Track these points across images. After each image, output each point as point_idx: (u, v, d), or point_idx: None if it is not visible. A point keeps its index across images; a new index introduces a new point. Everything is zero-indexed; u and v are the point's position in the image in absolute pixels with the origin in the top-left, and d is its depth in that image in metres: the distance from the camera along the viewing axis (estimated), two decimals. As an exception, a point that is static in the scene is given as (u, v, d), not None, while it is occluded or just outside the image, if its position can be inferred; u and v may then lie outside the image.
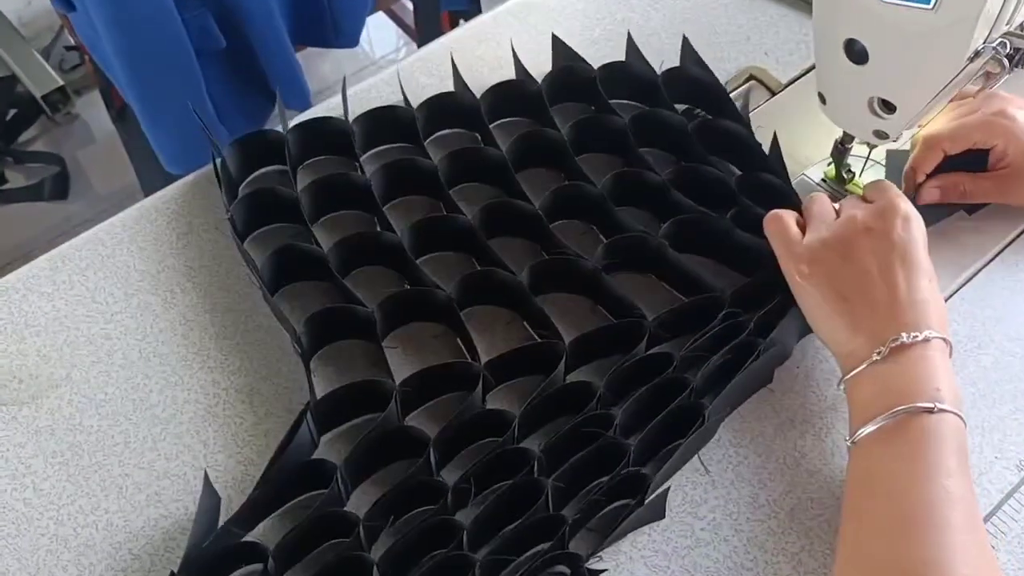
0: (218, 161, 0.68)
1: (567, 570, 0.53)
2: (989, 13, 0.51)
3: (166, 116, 1.16)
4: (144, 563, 0.55)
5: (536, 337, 0.63)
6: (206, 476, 0.54)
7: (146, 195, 0.73)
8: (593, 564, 0.53)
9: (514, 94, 0.73)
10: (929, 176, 0.64)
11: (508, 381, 0.61)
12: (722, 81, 0.76)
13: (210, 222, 0.70)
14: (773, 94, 0.76)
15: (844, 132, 0.65)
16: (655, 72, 0.72)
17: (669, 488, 0.56)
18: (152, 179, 1.36)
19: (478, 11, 1.42)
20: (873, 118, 0.59)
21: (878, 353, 0.52)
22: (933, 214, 0.64)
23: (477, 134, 0.73)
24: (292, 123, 0.71)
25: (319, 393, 0.58)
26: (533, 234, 0.67)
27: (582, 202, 0.68)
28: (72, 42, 1.80)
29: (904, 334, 0.51)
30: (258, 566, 0.53)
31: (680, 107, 0.73)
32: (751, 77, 0.77)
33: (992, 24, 0.52)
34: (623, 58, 0.75)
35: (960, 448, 0.50)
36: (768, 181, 0.65)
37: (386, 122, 0.72)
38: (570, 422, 0.56)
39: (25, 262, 0.68)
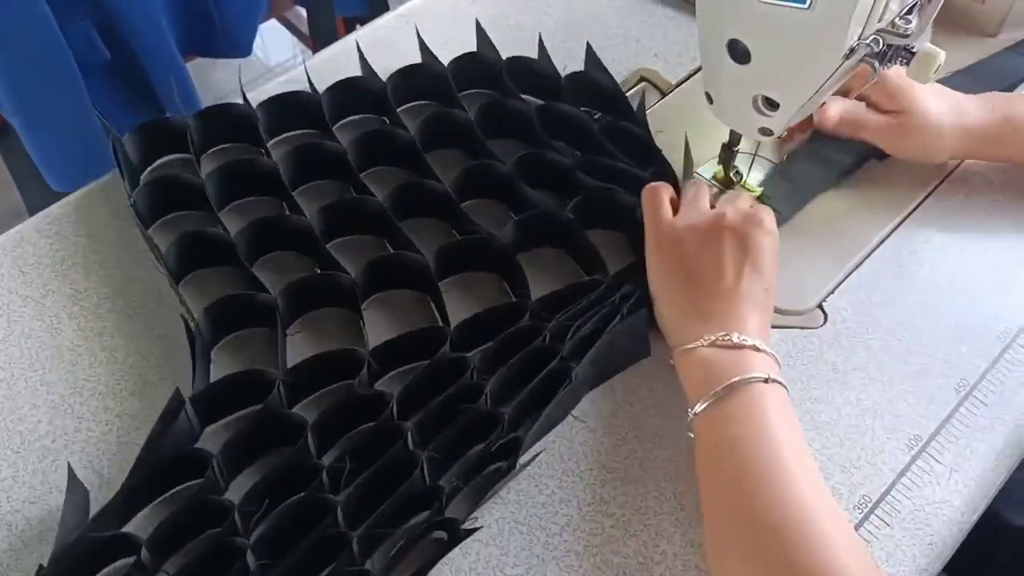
0: (120, 155, 0.65)
1: (444, 535, 0.54)
2: (861, 11, 0.53)
3: (50, 133, 1.12)
4: (38, 603, 0.52)
5: (440, 320, 0.63)
6: (69, 468, 0.52)
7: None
8: (469, 524, 0.54)
9: (421, 76, 0.73)
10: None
11: (401, 367, 0.61)
12: (614, 83, 0.77)
13: (96, 242, 0.67)
14: (664, 95, 0.77)
15: (731, 135, 0.66)
16: (558, 73, 0.73)
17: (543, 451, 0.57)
18: (39, 200, 1.30)
19: (373, 16, 1.41)
20: (758, 115, 0.61)
21: (706, 339, 0.55)
22: (853, 153, 0.71)
23: (385, 118, 0.73)
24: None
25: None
26: (445, 214, 0.67)
27: (493, 181, 0.68)
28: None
29: (735, 334, 0.55)
30: (132, 559, 0.51)
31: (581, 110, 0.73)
32: (642, 79, 0.78)
33: (865, 22, 0.54)
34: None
35: (791, 411, 0.53)
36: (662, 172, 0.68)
37: (292, 108, 0.71)
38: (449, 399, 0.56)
39: None
